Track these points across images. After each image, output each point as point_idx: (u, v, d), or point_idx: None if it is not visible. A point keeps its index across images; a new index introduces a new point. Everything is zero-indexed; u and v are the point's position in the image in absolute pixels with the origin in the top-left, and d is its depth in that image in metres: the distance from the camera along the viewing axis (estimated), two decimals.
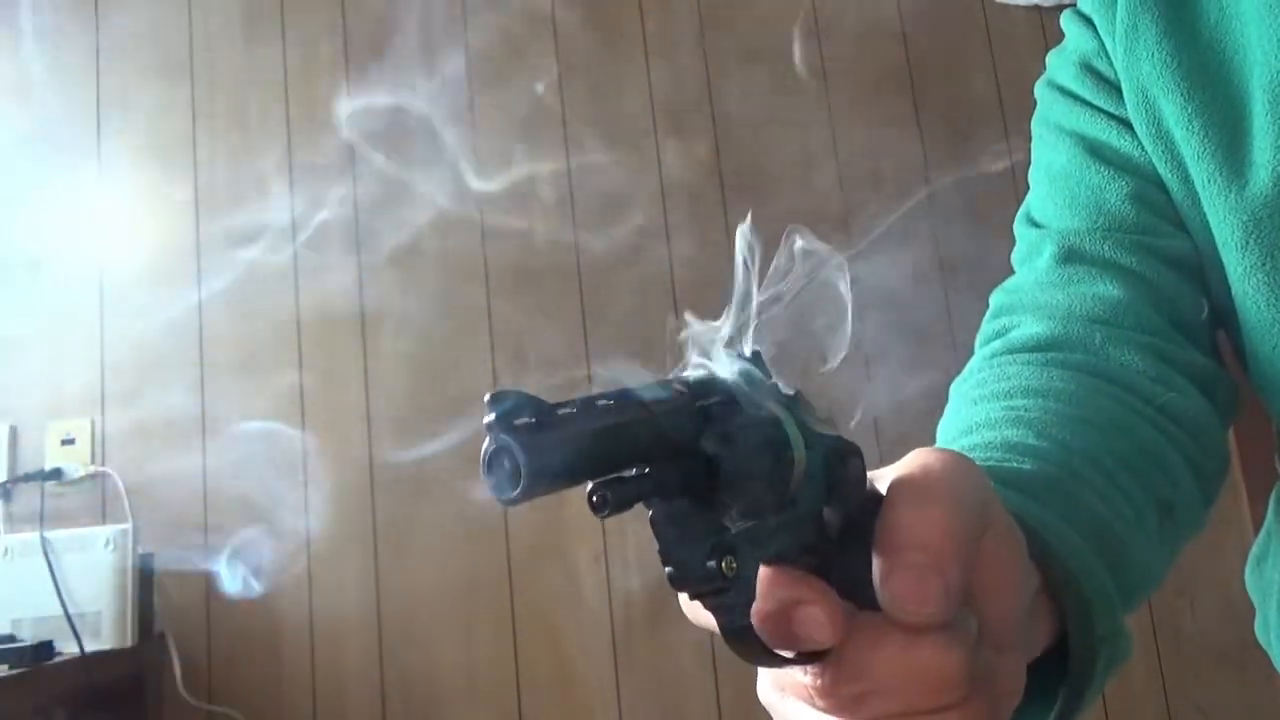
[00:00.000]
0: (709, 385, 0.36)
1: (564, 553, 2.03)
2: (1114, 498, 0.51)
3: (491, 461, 0.31)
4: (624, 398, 0.34)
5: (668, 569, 0.34)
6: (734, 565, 0.34)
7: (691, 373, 0.37)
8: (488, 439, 0.31)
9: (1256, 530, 0.76)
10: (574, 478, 0.32)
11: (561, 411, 0.32)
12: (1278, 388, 0.63)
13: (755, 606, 0.36)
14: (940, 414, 0.61)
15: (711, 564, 0.33)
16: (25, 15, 2.33)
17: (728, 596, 0.34)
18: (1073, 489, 0.49)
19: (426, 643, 2.04)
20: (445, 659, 2.03)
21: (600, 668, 2.01)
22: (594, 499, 0.32)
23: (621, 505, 0.33)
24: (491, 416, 0.31)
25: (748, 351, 0.38)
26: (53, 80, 2.30)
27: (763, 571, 0.36)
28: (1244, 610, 0.78)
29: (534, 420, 0.31)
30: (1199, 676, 1.96)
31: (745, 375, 0.37)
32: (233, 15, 2.30)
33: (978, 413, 0.57)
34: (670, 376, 0.36)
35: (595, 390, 0.34)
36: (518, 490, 0.30)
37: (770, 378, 0.38)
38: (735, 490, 0.34)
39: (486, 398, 0.31)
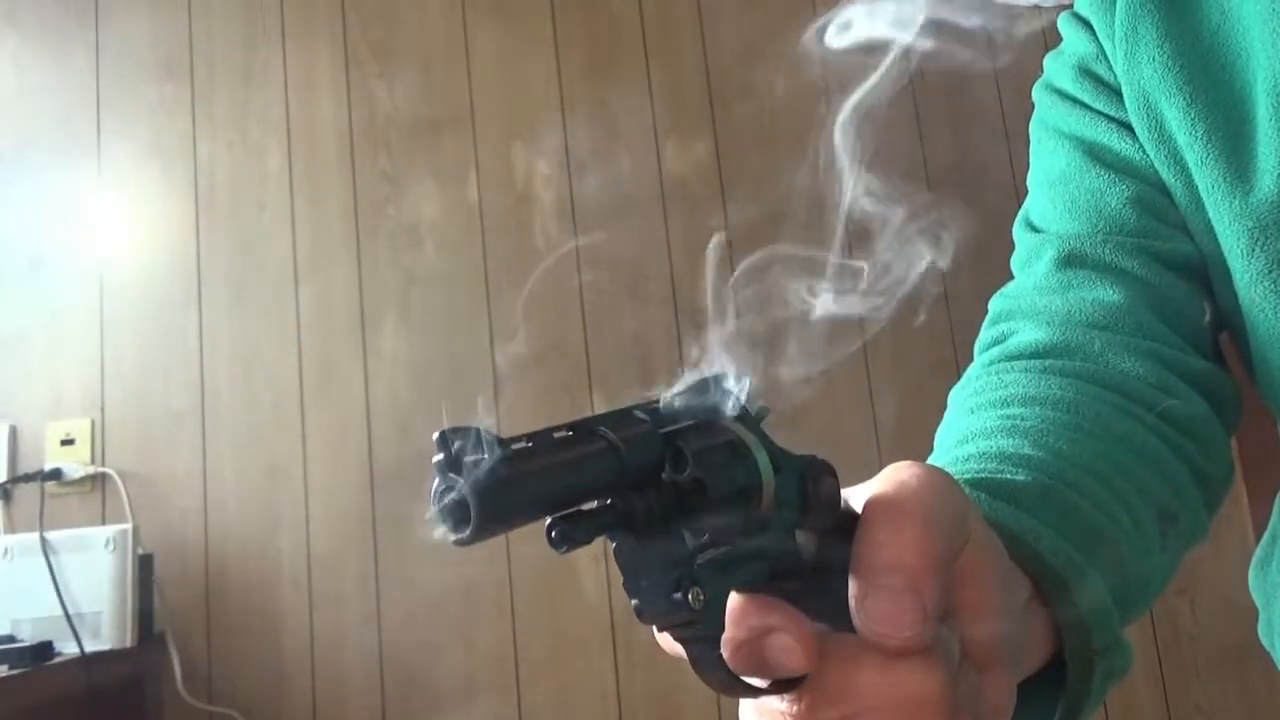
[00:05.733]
0: (672, 411, 0.35)
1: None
2: (1112, 507, 0.50)
3: (441, 502, 0.30)
4: (582, 429, 0.33)
5: (633, 602, 0.33)
6: (701, 596, 0.32)
7: (655, 398, 0.36)
8: (436, 479, 0.30)
9: (1257, 531, 0.75)
10: (529, 515, 0.31)
11: (515, 446, 0.31)
12: None
13: (725, 636, 0.35)
14: (940, 421, 0.61)
15: (677, 596, 0.32)
16: (25, 15, 2.33)
17: (695, 629, 0.33)
18: (1068, 499, 0.49)
19: (426, 643, 2.04)
20: (445, 659, 2.03)
21: (600, 668, 2.01)
22: (552, 535, 0.31)
23: (580, 541, 0.32)
24: (440, 456, 0.30)
25: (713, 373, 0.37)
26: (52, 80, 2.30)
27: (732, 599, 0.35)
28: (1244, 611, 0.77)
29: (484, 458, 0.30)
30: (1199, 677, 1.95)
31: (710, 399, 0.36)
32: (233, 15, 2.30)
33: (974, 422, 0.56)
34: (631, 405, 0.35)
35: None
36: (468, 532, 0.29)
37: (738, 399, 0.37)
38: (701, 518, 0.33)
39: (435, 436, 0.30)
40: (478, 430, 0.30)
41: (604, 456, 0.32)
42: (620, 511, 0.33)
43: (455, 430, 0.30)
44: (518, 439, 0.31)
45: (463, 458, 0.30)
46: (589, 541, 0.32)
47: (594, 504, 0.33)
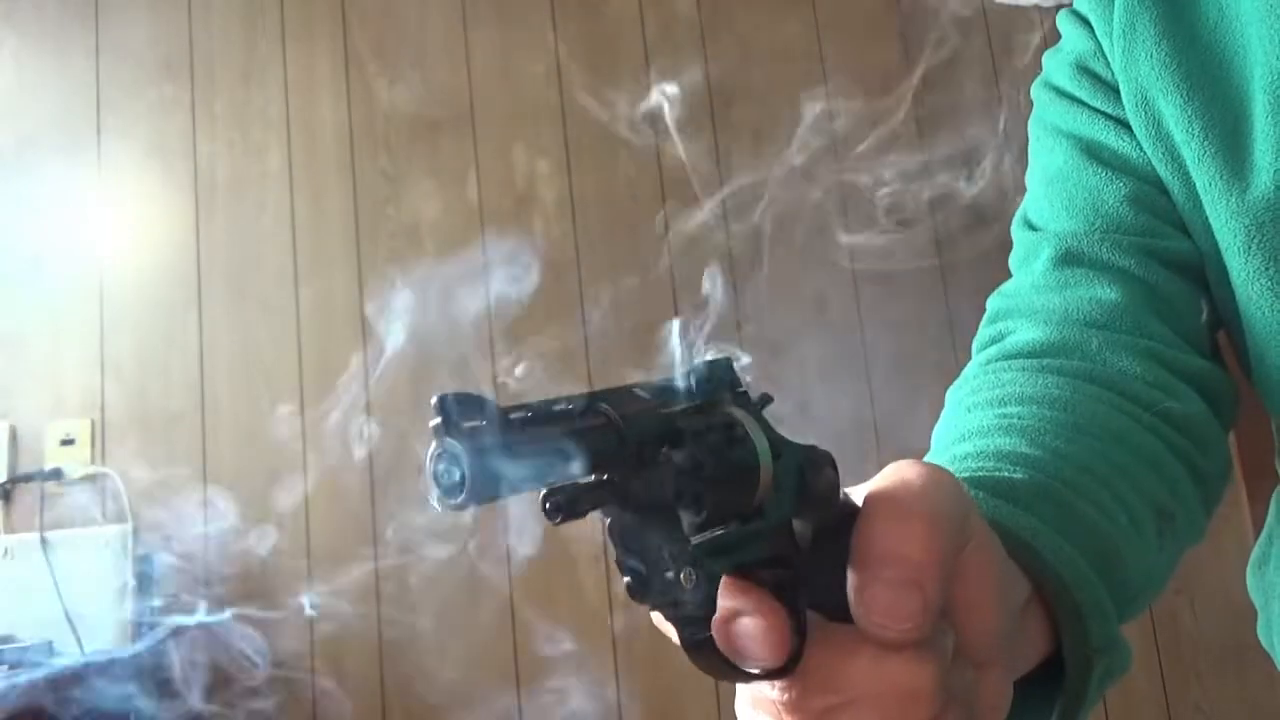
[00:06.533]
0: (674, 391, 0.35)
1: (564, 553, 2.03)
2: (1109, 506, 0.50)
3: (436, 466, 0.30)
4: (582, 402, 0.33)
5: (626, 579, 0.33)
6: (693, 577, 0.33)
7: (657, 378, 0.36)
8: (433, 443, 0.30)
9: (1257, 531, 0.75)
10: (524, 485, 0.31)
11: (514, 415, 0.31)
12: None
13: (715, 617, 0.35)
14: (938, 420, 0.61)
15: (670, 575, 0.33)
16: (25, 15, 2.33)
17: (687, 609, 0.34)
18: (1066, 498, 0.48)
19: (426, 643, 2.04)
20: (445, 659, 2.03)
21: (600, 668, 2.01)
22: (546, 505, 0.31)
23: (575, 513, 0.32)
24: (438, 420, 0.30)
25: (717, 357, 0.37)
26: (52, 80, 2.30)
27: (722, 581, 0.35)
28: (1244, 611, 0.77)
29: (483, 424, 0.30)
30: (1199, 677, 1.95)
31: (713, 382, 0.36)
32: (233, 15, 2.30)
33: (971, 420, 0.56)
34: (634, 383, 0.35)
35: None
36: (460, 497, 0.29)
37: (740, 385, 0.37)
38: (697, 499, 0.33)
39: (434, 400, 0.30)
40: (478, 396, 0.30)
41: (603, 431, 0.32)
42: (616, 487, 0.33)
43: (454, 395, 0.30)
44: (517, 408, 0.31)
45: (461, 423, 0.30)
46: (583, 515, 0.32)
47: (590, 478, 0.33)
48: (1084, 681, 0.45)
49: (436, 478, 0.30)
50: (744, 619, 0.34)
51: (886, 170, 2.17)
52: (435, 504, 0.30)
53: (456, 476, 0.29)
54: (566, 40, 2.24)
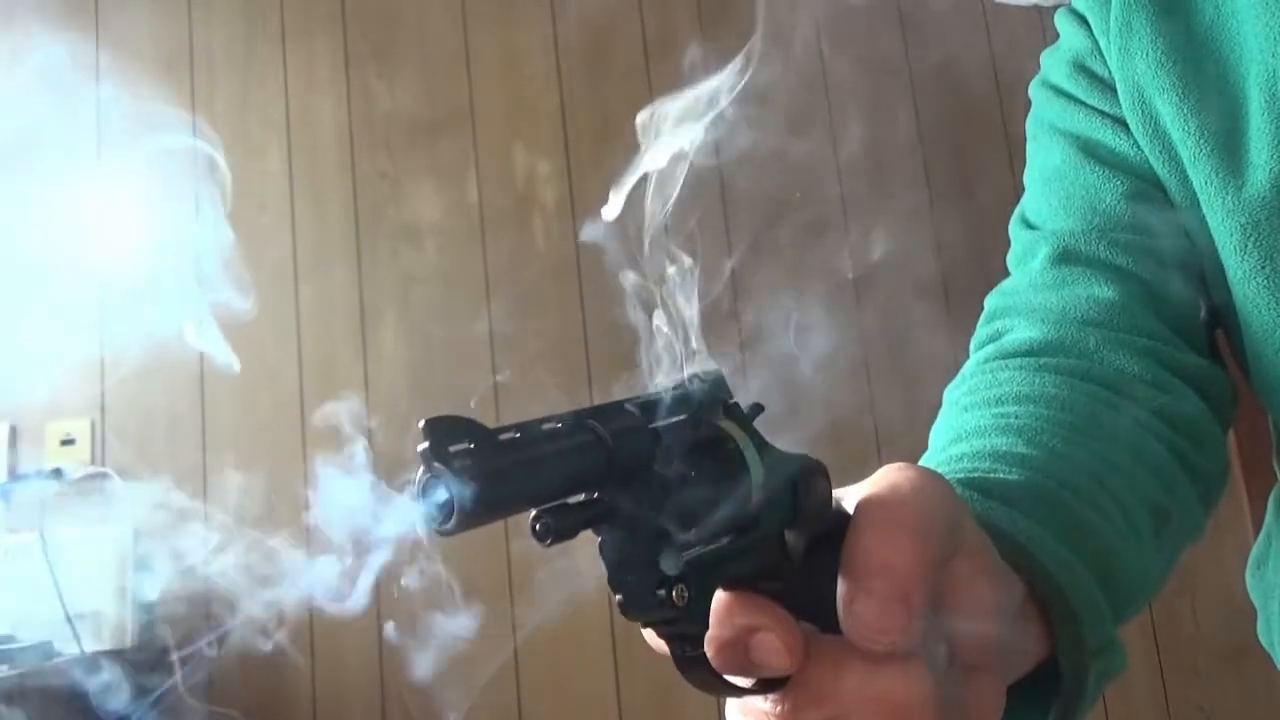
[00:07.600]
0: (664, 406, 0.35)
1: (563, 551, 2.02)
2: (1106, 506, 0.50)
3: (425, 492, 0.29)
4: (571, 421, 0.32)
5: (617, 597, 0.33)
6: (685, 594, 0.32)
7: (647, 393, 0.36)
8: (421, 468, 0.29)
9: (1257, 531, 0.75)
10: (514, 507, 0.30)
11: (502, 437, 0.30)
12: (1279, 390, 0.62)
13: (710, 633, 0.34)
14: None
15: (661, 593, 0.32)
16: (25, 15, 2.33)
17: (679, 625, 0.34)
18: (1061, 498, 0.48)
19: (426, 643, 2.03)
20: (445, 659, 2.03)
21: (600, 668, 2.01)
22: (536, 528, 0.31)
23: (565, 534, 0.32)
24: (425, 445, 0.29)
25: (708, 370, 0.37)
26: (52, 81, 2.30)
27: (718, 597, 0.35)
28: (1244, 610, 0.77)
29: (471, 447, 0.29)
30: (1199, 676, 1.95)
31: (703, 395, 0.36)
32: (233, 15, 2.30)
33: (967, 420, 0.56)
34: (623, 399, 0.35)
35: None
36: (451, 523, 0.29)
37: (731, 397, 0.36)
38: (689, 515, 0.33)
39: (420, 424, 0.30)
40: (465, 419, 0.30)
41: (592, 450, 0.32)
42: (606, 506, 0.33)
43: (442, 419, 0.30)
44: (506, 429, 0.31)
45: (449, 447, 0.29)
46: (573, 535, 0.32)
47: (580, 497, 0.32)
48: (1080, 683, 0.44)
49: (426, 503, 0.30)
50: (763, 634, 0.34)
51: (886, 168, 2.17)
52: (426, 529, 0.30)
53: (446, 502, 0.29)
54: (566, 40, 2.24)
